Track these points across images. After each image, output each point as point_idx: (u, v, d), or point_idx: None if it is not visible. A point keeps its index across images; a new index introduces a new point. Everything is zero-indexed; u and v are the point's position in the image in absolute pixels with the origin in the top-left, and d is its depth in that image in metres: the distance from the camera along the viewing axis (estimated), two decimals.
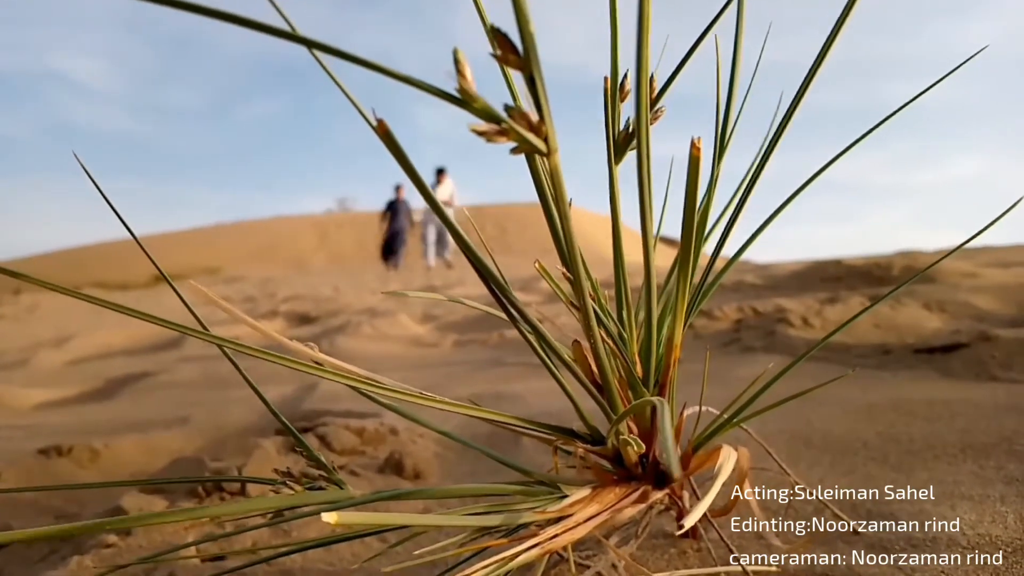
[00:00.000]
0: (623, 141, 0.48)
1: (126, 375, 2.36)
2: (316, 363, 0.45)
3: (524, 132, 0.30)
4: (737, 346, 1.87)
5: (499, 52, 0.29)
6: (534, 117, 0.30)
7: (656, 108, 0.47)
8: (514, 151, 0.31)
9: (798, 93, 0.52)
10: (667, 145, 0.58)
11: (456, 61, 0.29)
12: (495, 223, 19.05)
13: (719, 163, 0.56)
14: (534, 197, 0.43)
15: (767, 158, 0.53)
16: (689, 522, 0.31)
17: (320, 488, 0.43)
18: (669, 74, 0.52)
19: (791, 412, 1.09)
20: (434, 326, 3.26)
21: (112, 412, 1.79)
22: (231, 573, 0.68)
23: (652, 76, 0.46)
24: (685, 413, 0.63)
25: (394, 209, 12.51)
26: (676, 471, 0.25)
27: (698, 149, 0.34)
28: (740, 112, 0.57)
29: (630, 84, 0.45)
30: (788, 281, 3.01)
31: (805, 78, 0.51)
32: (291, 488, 0.44)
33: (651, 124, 0.47)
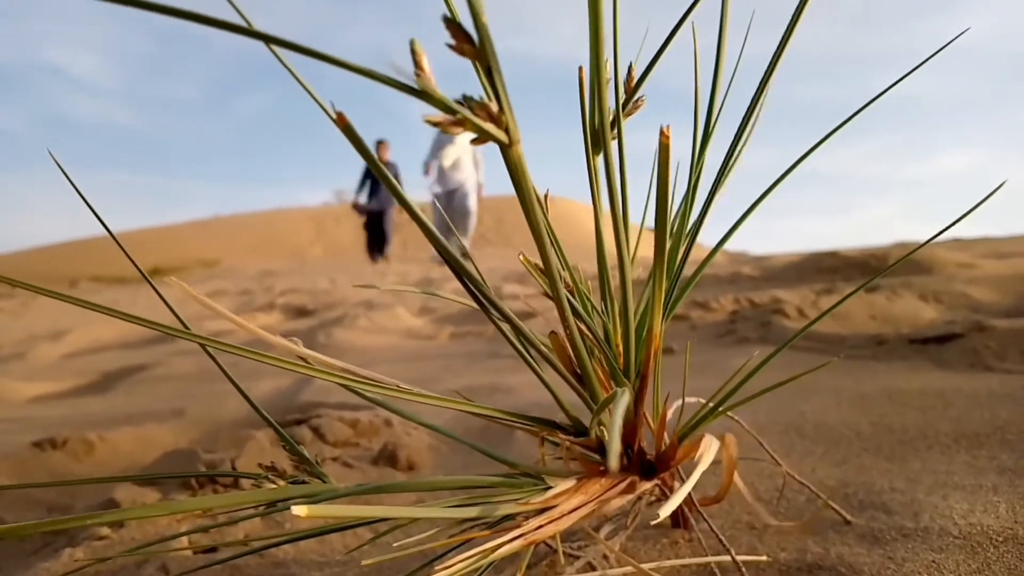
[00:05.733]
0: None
1: (121, 368, 2.36)
2: (302, 359, 0.45)
3: (482, 123, 0.29)
4: (732, 337, 1.87)
5: (454, 43, 0.28)
6: (494, 108, 0.30)
7: (636, 98, 0.47)
8: (474, 141, 0.30)
9: (762, 80, 0.51)
10: (652, 137, 0.58)
11: (413, 52, 0.29)
12: (492, 214, 19.02)
13: (703, 153, 0.55)
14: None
15: (736, 145, 0.53)
16: (665, 510, 0.31)
17: (303, 482, 0.43)
18: (649, 66, 0.51)
19: (784, 403, 1.09)
20: (431, 319, 3.26)
21: (107, 405, 1.79)
22: (223, 565, 0.68)
23: (631, 65, 0.46)
24: (675, 404, 0.62)
25: (374, 176, 9.03)
26: (615, 447, 0.25)
27: (667, 137, 0.34)
28: (724, 102, 0.57)
29: (610, 73, 0.45)
30: (785, 273, 3.01)
31: (768, 65, 0.51)
32: (275, 483, 0.44)
33: (629, 115, 0.47)
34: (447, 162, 7.86)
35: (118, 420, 1.49)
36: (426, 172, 7.96)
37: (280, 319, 3.74)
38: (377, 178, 8.79)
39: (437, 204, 7.94)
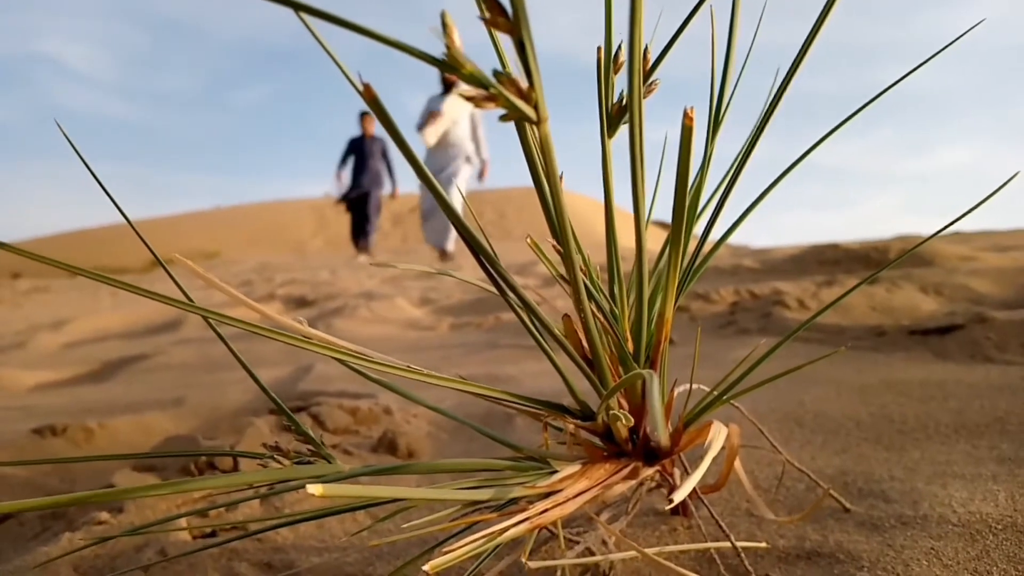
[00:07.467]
0: (616, 114, 0.47)
1: (122, 357, 2.36)
2: (305, 337, 0.45)
3: (513, 98, 0.29)
4: (733, 328, 1.87)
5: (487, 15, 0.28)
6: (524, 84, 0.30)
7: (650, 81, 0.47)
8: (503, 118, 0.30)
9: (789, 72, 0.51)
10: (660, 128, 0.57)
11: (444, 24, 0.28)
12: (494, 208, 18.99)
13: (713, 141, 0.55)
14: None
15: (758, 135, 0.53)
16: (678, 497, 0.31)
17: (309, 463, 0.43)
18: (665, 49, 0.51)
19: (784, 392, 1.09)
20: (431, 309, 3.26)
21: (108, 394, 1.79)
22: (221, 549, 0.68)
23: (646, 48, 0.45)
24: (676, 391, 0.62)
25: (359, 151, 7.86)
26: (664, 439, 0.25)
27: (691, 119, 0.34)
28: (735, 89, 0.57)
29: (624, 54, 0.45)
30: (786, 265, 3.01)
31: (795, 59, 0.51)
32: (280, 462, 0.44)
33: (645, 97, 0.47)
34: (432, 139, 6.79)
35: (118, 408, 1.49)
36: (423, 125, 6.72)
37: (280, 309, 3.74)
38: (360, 158, 7.79)
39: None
